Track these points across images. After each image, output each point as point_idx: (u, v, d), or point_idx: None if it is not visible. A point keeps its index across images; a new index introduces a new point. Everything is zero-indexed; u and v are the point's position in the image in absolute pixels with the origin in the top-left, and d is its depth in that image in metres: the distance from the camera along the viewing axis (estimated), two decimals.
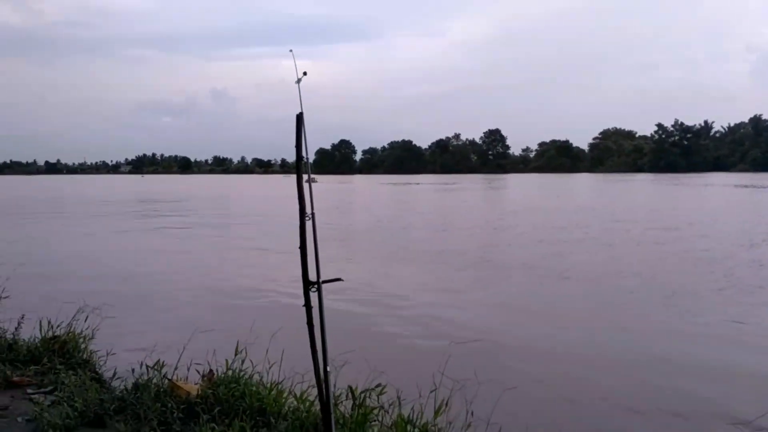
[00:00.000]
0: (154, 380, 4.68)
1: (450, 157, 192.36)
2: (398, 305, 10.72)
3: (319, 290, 3.52)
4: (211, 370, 4.91)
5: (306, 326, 3.58)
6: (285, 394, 4.61)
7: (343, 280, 3.77)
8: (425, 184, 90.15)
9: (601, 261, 15.61)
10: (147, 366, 4.80)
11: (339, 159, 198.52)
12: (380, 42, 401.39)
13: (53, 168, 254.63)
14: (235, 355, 4.90)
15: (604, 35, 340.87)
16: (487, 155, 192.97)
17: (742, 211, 33.51)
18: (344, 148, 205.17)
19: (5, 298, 7.43)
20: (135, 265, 15.50)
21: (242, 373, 4.75)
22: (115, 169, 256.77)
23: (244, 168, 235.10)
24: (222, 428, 4.03)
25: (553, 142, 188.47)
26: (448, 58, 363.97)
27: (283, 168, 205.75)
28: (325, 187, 71.07)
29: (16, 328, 6.13)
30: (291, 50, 3.75)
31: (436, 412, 4.27)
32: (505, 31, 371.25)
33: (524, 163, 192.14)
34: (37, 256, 16.88)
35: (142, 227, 26.68)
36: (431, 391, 4.42)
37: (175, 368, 4.93)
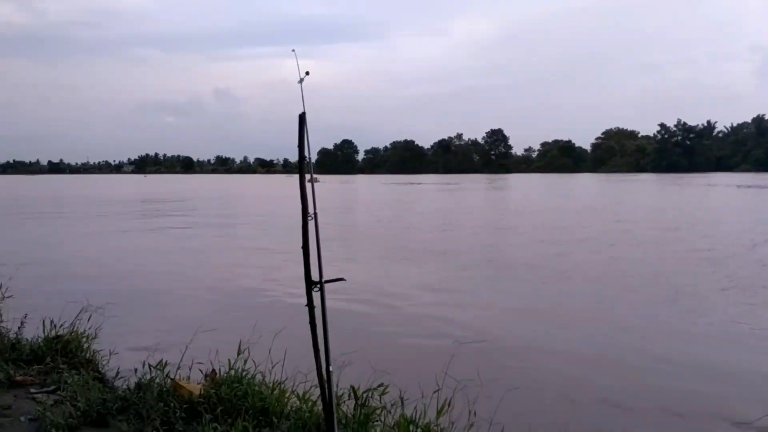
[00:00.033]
0: (157, 380, 4.68)
1: (452, 157, 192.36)
2: (400, 305, 10.72)
3: (321, 290, 3.52)
4: (213, 370, 4.91)
5: (308, 326, 3.58)
6: (287, 394, 4.61)
7: (345, 280, 3.77)
8: (428, 184, 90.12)
9: (603, 261, 15.59)
10: (150, 365, 4.80)
11: (341, 159, 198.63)
12: (383, 42, 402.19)
13: (56, 168, 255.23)
14: (238, 354, 4.90)
15: (607, 35, 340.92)
16: (490, 155, 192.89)
17: (745, 211, 33.44)
18: (347, 148, 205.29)
19: (8, 297, 7.45)
20: (138, 265, 15.52)
21: (245, 373, 4.75)
22: (118, 169, 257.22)
23: (247, 168, 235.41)
24: (225, 428, 4.03)
25: (556, 142, 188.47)
26: (451, 58, 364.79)
27: (286, 168, 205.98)
28: (328, 187, 71.10)
29: (19, 328, 6.14)
30: (293, 50, 3.75)
31: (439, 412, 4.26)
32: (508, 31, 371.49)
33: (527, 163, 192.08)
34: (40, 255, 16.90)
35: (145, 227, 26.71)
36: (434, 392, 4.42)
37: (178, 368, 4.93)
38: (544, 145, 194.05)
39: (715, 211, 32.33)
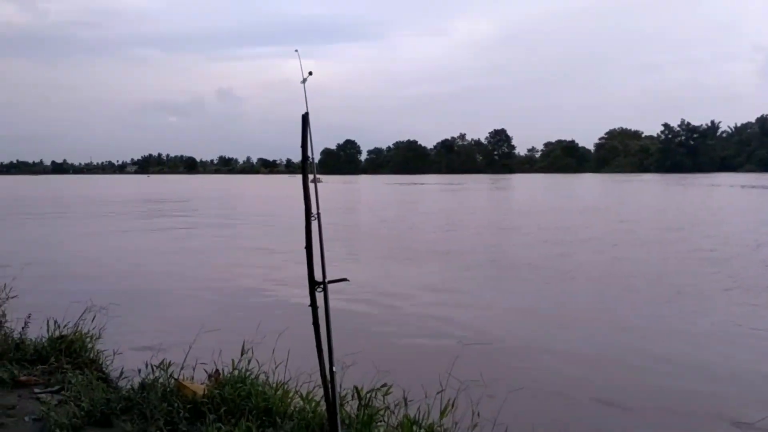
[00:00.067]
0: (161, 380, 4.70)
1: (455, 157, 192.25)
2: (404, 305, 10.73)
3: (324, 290, 3.52)
4: (217, 370, 4.92)
5: (311, 326, 3.58)
6: (291, 394, 4.61)
7: (348, 281, 3.77)
8: (430, 184, 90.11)
9: (606, 261, 15.58)
10: (153, 366, 4.81)
11: (344, 159, 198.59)
12: (386, 42, 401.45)
13: (59, 168, 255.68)
14: (241, 354, 4.90)
15: (609, 35, 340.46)
16: (493, 155, 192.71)
17: (749, 211, 33.38)
18: (349, 148, 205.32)
19: (13, 297, 7.47)
20: (141, 265, 15.55)
21: (248, 373, 4.75)
22: (121, 169, 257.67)
23: (250, 168, 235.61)
24: (228, 428, 4.03)
25: (559, 142, 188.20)
26: (453, 57, 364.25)
27: (288, 168, 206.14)
28: (331, 187, 71.15)
29: (23, 328, 6.16)
30: (296, 50, 3.76)
31: (442, 413, 4.26)
32: (510, 31, 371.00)
33: (530, 164, 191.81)
34: (44, 256, 16.94)
35: (148, 227, 26.75)
36: (437, 392, 4.41)
37: (182, 368, 4.94)
38: (547, 145, 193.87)
39: (718, 212, 32.26)
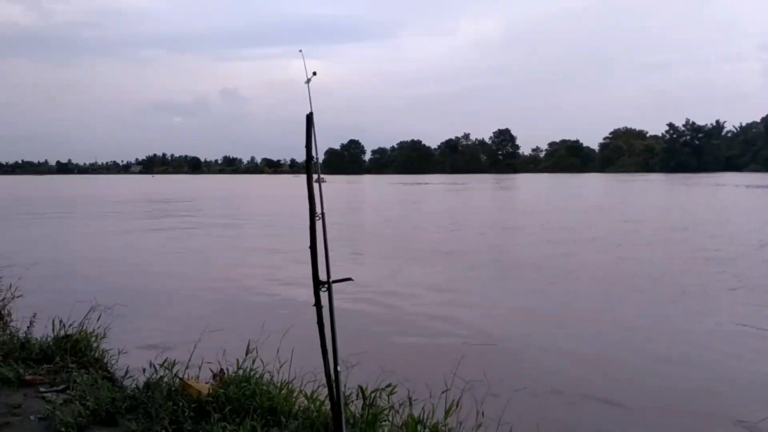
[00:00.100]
0: (166, 379, 4.70)
1: (459, 157, 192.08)
2: (408, 305, 10.73)
3: (329, 290, 3.52)
4: (221, 369, 4.93)
5: (316, 326, 3.59)
6: (295, 394, 4.62)
7: (353, 280, 3.78)
8: (435, 184, 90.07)
9: (610, 261, 15.55)
10: (158, 365, 4.82)
11: (348, 159, 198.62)
12: (390, 42, 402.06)
13: (64, 168, 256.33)
14: (246, 354, 4.91)
15: (614, 35, 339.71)
16: (497, 155, 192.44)
17: (753, 211, 33.28)
18: (353, 148, 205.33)
19: (18, 297, 7.50)
20: (146, 265, 15.59)
21: (253, 373, 4.76)
22: (125, 169, 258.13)
23: (254, 168, 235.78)
24: (233, 427, 4.04)
25: (563, 141, 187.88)
26: (457, 57, 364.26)
27: (293, 168, 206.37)
28: (335, 187, 71.15)
29: (28, 327, 6.17)
30: (300, 50, 3.76)
31: (447, 412, 4.26)
32: (514, 31, 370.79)
33: (534, 163, 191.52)
34: (49, 255, 16.99)
35: (153, 227, 26.79)
36: (442, 392, 4.42)
37: (186, 367, 4.95)
38: (551, 145, 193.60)
39: (723, 212, 32.16)
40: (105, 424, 4.27)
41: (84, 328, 6.04)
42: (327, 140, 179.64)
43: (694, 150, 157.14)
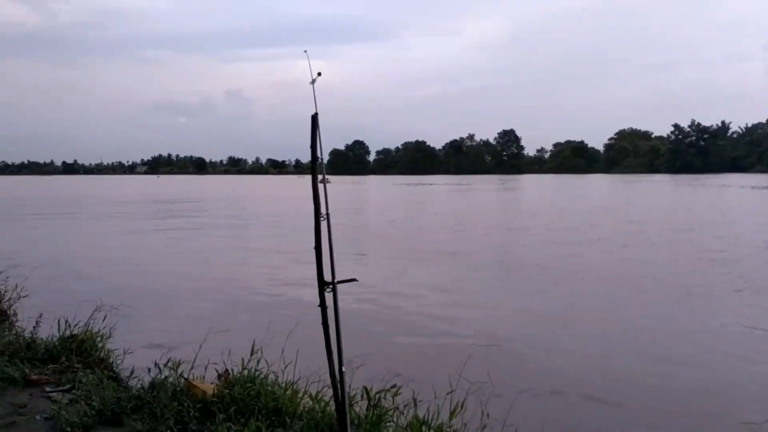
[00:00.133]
0: (171, 379, 4.71)
1: (464, 157, 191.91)
2: (412, 306, 10.72)
3: (334, 290, 3.52)
4: (226, 370, 4.93)
5: (321, 326, 3.58)
6: (300, 394, 4.62)
7: (358, 281, 3.78)
8: (439, 184, 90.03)
9: (615, 262, 15.51)
10: (163, 365, 4.83)
11: (353, 159, 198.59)
12: (394, 42, 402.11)
13: (70, 168, 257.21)
14: (251, 354, 4.92)
15: (619, 35, 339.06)
16: (502, 156, 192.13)
17: (759, 212, 33.16)
18: (358, 148, 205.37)
19: (24, 297, 7.54)
20: (151, 265, 15.63)
21: (258, 373, 4.76)
22: (131, 169, 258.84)
23: (259, 168, 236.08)
24: (238, 427, 4.04)
25: (568, 142, 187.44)
26: (462, 58, 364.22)
27: (297, 168, 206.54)
28: (339, 187, 71.19)
29: (34, 327, 6.20)
30: (305, 51, 3.76)
31: (452, 413, 4.26)
32: (520, 31, 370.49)
33: (539, 164, 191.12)
34: (55, 256, 17.05)
35: (158, 227, 26.85)
36: (447, 393, 4.41)
37: (192, 367, 4.96)
38: (556, 145, 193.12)
39: (728, 213, 32.06)
40: (110, 424, 4.28)
41: (89, 328, 6.06)
42: (331, 141, 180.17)
43: (699, 151, 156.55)
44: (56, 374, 5.33)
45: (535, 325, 9.58)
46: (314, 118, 3.55)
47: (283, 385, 4.71)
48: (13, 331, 6.48)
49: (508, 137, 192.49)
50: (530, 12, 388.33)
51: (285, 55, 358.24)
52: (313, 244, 3.56)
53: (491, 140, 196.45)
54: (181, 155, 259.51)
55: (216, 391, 4.55)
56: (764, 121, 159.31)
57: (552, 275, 13.65)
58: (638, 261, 15.56)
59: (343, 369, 3.53)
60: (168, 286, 12.71)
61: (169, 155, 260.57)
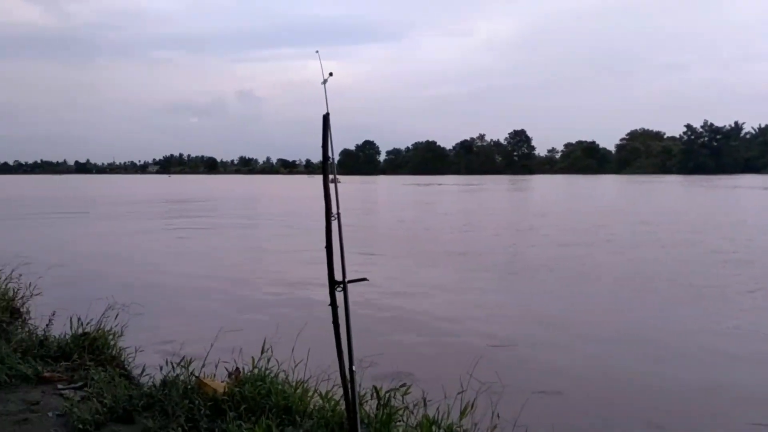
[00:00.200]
0: (182, 377, 4.74)
1: (474, 158, 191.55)
2: (422, 306, 10.72)
3: (344, 290, 3.52)
4: (237, 368, 4.95)
5: (331, 325, 3.59)
6: (310, 393, 4.63)
7: (368, 280, 3.78)
8: (449, 185, 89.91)
9: (626, 263, 15.42)
10: (174, 363, 4.86)
11: (363, 159, 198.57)
12: (405, 42, 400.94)
13: (83, 168, 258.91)
14: (261, 353, 4.93)
15: (631, 35, 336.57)
16: (512, 156, 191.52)
17: None
18: (368, 148, 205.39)
19: (36, 295, 7.61)
20: (163, 264, 15.71)
21: (268, 372, 4.78)
22: (143, 169, 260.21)
23: (270, 168, 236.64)
24: (248, 425, 4.06)
25: (580, 143, 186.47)
26: (473, 58, 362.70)
27: (308, 168, 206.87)
28: (349, 187, 71.23)
29: (47, 325, 6.26)
30: (317, 51, 3.76)
31: (462, 413, 4.25)
32: (531, 31, 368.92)
33: (550, 164, 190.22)
34: (67, 255, 17.17)
35: (170, 227, 26.97)
36: (458, 393, 4.41)
37: (202, 366, 4.98)
38: (567, 146, 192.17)
39: (741, 214, 31.82)
40: (122, 422, 4.31)
41: (101, 326, 6.11)
42: (342, 141, 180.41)
43: (712, 151, 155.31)
44: (68, 372, 5.38)
45: (545, 326, 9.54)
46: (326, 118, 3.56)
47: (294, 383, 4.72)
48: (26, 329, 6.54)
49: (519, 137, 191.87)
50: (541, 12, 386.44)
51: (296, 55, 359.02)
52: (323, 243, 3.57)
53: (502, 140, 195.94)
54: (193, 155, 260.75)
55: (227, 390, 4.57)
56: None
57: (563, 276, 13.60)
58: (649, 262, 15.46)
59: (354, 368, 3.54)
60: (179, 285, 12.77)
61: (181, 155, 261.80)
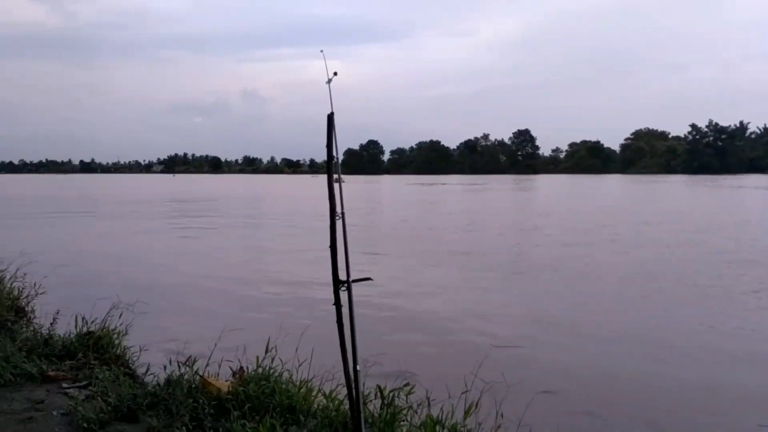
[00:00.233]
0: (186, 376, 4.74)
1: (479, 157, 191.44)
2: (426, 306, 10.72)
3: (348, 289, 3.52)
4: (241, 367, 4.96)
5: (335, 325, 3.59)
6: (314, 392, 4.63)
7: (372, 280, 3.78)
8: (453, 184, 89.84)
9: (630, 263, 15.39)
10: (179, 362, 4.86)
11: (367, 159, 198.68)
12: (406, 42, 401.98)
13: (87, 167, 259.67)
14: (266, 352, 4.94)
15: (636, 35, 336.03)
16: (517, 156, 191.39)
17: None
18: (372, 148, 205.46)
19: (41, 294, 7.62)
20: (167, 264, 15.73)
21: (272, 371, 4.79)
22: (147, 168, 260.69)
23: (274, 168, 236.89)
24: (252, 425, 4.06)
25: (584, 142, 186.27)
26: (477, 57, 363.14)
27: (312, 168, 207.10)
28: (353, 187, 71.22)
29: (51, 324, 6.27)
30: (322, 51, 3.75)
31: (466, 413, 4.25)
32: (535, 31, 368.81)
33: (554, 164, 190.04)
34: (73, 253, 17.22)
35: (174, 226, 27.00)
36: (462, 393, 4.40)
37: (207, 365, 4.99)
38: (571, 145, 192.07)
39: (745, 214, 31.72)
40: (126, 420, 4.31)
41: (106, 325, 6.12)
42: (346, 140, 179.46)
43: (717, 151, 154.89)
44: (73, 370, 5.39)
45: (549, 326, 9.52)
46: (330, 118, 3.55)
47: (297, 383, 4.72)
48: (31, 328, 6.55)
49: (523, 137, 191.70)
50: (544, 12, 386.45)
51: (300, 55, 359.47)
52: (327, 243, 3.57)
53: (506, 140, 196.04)
54: (197, 154, 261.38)
55: (231, 389, 4.57)
56: None
57: (567, 276, 13.58)
58: (654, 262, 15.43)
59: (358, 367, 3.53)
60: (183, 285, 12.79)
61: (185, 154, 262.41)
